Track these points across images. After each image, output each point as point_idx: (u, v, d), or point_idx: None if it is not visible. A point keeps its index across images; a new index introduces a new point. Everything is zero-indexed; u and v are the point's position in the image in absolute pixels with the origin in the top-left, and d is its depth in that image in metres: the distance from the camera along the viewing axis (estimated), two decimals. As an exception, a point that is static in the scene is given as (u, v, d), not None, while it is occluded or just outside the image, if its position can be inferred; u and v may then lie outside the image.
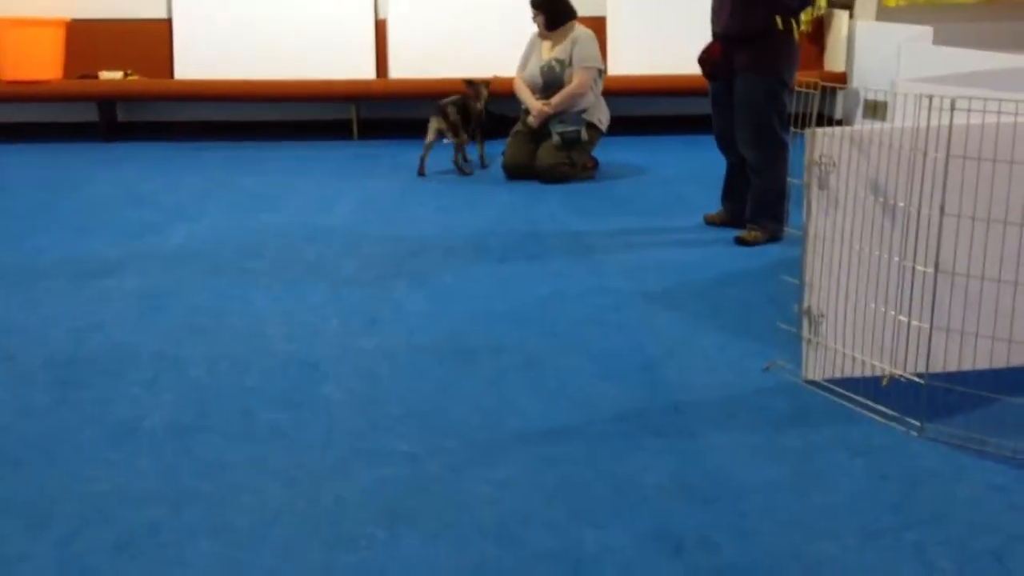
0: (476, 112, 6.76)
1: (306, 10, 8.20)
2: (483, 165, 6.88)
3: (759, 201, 4.95)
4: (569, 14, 6.60)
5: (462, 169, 6.73)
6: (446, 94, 7.09)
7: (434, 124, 6.62)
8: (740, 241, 4.93)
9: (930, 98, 2.73)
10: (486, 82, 6.89)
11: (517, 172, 6.52)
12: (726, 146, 5.14)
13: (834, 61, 8.31)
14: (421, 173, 6.62)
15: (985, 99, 2.65)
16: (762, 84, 4.80)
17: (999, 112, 2.73)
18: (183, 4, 8.17)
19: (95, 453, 2.80)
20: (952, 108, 2.73)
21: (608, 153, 6.85)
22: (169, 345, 3.60)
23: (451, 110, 6.61)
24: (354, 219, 5.50)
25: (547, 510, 2.52)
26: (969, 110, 2.53)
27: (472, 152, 6.90)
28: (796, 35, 4.78)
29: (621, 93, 7.50)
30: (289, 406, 3.11)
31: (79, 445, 2.85)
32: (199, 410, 3.08)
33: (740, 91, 4.89)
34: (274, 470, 2.72)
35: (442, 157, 6.96)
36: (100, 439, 2.89)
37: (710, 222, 5.29)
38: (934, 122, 2.78)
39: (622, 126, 7.19)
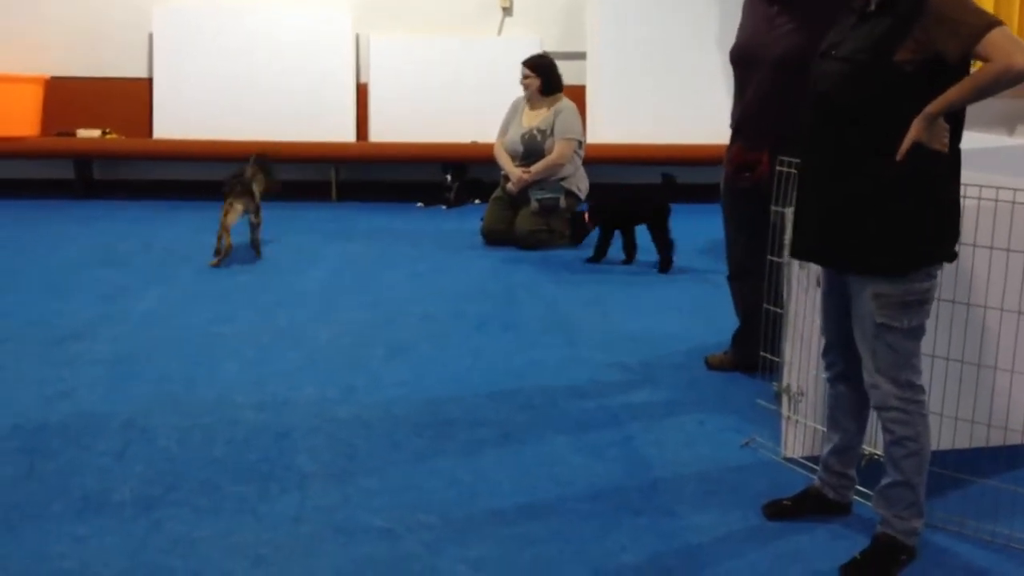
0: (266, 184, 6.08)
1: (288, 72, 8.24)
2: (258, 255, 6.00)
3: None
4: (560, 84, 6.67)
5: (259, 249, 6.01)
6: (426, 158, 7.11)
7: (239, 206, 5.80)
8: None
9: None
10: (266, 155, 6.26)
11: (495, 238, 6.53)
12: (747, 275, 3.94)
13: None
14: (218, 260, 5.73)
15: (980, 186, 2.66)
16: None
17: (996, 200, 2.75)
18: (164, 63, 8.19)
19: (62, 528, 2.73)
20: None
21: (586, 220, 6.86)
22: (139, 414, 3.53)
23: (256, 187, 5.88)
24: (330, 283, 5.47)
25: (523, 592, 2.47)
26: (964, 196, 2.55)
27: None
28: None
29: (599, 161, 7.55)
30: (258, 478, 3.05)
31: (46, 519, 2.78)
32: (168, 482, 3.01)
33: None
34: (241, 547, 2.65)
35: (416, 222, 6.96)
36: (68, 513, 2.81)
37: (715, 366, 4.16)
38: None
39: (600, 193, 7.22)
